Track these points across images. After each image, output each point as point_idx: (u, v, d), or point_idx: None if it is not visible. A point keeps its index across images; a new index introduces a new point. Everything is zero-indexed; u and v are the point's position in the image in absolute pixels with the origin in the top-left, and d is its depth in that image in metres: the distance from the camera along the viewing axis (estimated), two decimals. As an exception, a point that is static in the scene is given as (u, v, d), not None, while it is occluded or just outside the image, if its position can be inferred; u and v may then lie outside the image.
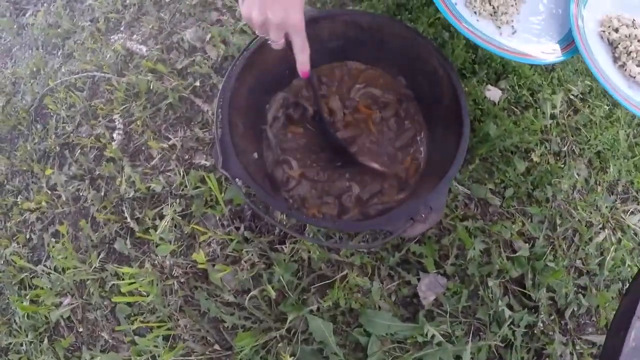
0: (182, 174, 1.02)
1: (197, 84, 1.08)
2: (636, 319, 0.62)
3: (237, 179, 0.79)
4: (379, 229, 0.94)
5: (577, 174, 1.12)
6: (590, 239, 1.08)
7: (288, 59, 0.94)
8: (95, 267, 1.00)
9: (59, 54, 1.23)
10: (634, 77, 0.82)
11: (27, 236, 1.10)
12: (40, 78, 1.23)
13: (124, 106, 1.10)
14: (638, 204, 1.16)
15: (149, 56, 1.12)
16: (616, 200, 1.14)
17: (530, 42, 0.85)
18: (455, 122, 0.85)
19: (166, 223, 0.99)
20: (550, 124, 1.14)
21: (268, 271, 0.94)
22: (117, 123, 1.08)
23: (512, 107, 1.12)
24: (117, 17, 1.22)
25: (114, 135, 1.08)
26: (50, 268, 1.04)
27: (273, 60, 0.91)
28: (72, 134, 1.13)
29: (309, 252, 0.94)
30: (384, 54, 0.96)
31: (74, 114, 1.14)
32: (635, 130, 1.22)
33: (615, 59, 0.84)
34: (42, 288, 1.02)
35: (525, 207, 1.05)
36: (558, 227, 1.06)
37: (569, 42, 0.85)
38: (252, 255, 0.94)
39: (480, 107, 1.07)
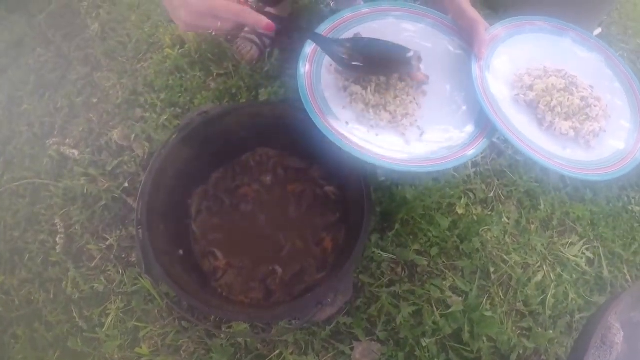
0: (121, 272, 1.17)
1: (127, 184, 1.24)
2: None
3: (160, 283, 0.94)
4: (289, 318, 1.07)
5: (507, 218, 1.25)
6: (529, 280, 1.19)
7: (202, 154, 1.10)
8: (52, 366, 1.15)
9: (1, 160, 1.41)
10: (567, 134, 0.81)
11: (-12, 339, 1.25)
12: (-15, 186, 1.40)
13: (63, 210, 1.26)
14: (577, 234, 1.28)
15: (81, 160, 1.29)
16: (553, 235, 1.26)
17: (442, 139, 0.82)
18: (362, 202, 0.98)
19: (111, 320, 1.14)
20: (474, 172, 1.27)
21: (207, 356, 1.08)
22: (58, 227, 1.24)
23: (432, 163, 1.26)
24: (50, 120, 1.40)
25: (57, 239, 1.24)
26: None
27: (187, 159, 1.07)
28: (19, 240, 1.29)
29: (243, 337, 1.08)
30: (291, 139, 1.11)
31: (19, 220, 1.30)
32: (565, 161, 1.34)
33: (541, 122, 0.82)
34: (6, 388, 1.17)
35: (454, 262, 1.18)
36: (492, 275, 1.19)
37: (486, 122, 0.82)
38: (190, 343, 1.08)
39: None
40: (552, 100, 0.83)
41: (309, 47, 0.89)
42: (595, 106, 0.85)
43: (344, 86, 0.87)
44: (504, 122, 0.79)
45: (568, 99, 0.84)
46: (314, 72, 0.87)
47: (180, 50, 1.46)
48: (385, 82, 0.86)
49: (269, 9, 1.41)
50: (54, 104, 1.43)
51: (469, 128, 0.84)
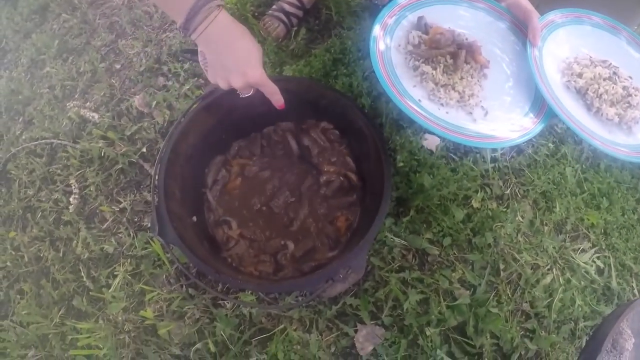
0: (132, 235, 1.19)
1: (145, 150, 1.26)
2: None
3: (172, 246, 0.95)
4: (299, 290, 1.09)
5: (522, 217, 1.26)
6: (537, 281, 1.20)
7: (223, 124, 1.12)
8: (56, 322, 1.17)
9: (20, 120, 1.43)
10: (612, 120, 0.90)
11: (-5, 293, 1.28)
12: (3, 144, 1.43)
13: (79, 172, 1.29)
14: (589, 241, 1.28)
15: (101, 123, 1.32)
16: (565, 240, 1.27)
17: (504, 119, 0.89)
18: (380, 183, 0.99)
19: (118, 282, 1.16)
20: (492, 168, 1.28)
21: (211, 325, 1.10)
22: (73, 188, 1.27)
23: (451, 154, 1.28)
24: (72, 84, 1.43)
25: (71, 199, 1.26)
26: (16, 322, 1.20)
27: (208, 128, 1.09)
28: (33, 198, 1.32)
29: (250, 307, 1.10)
30: (314, 116, 1.13)
31: (34, 178, 1.33)
32: (583, 165, 1.35)
33: (589, 107, 0.91)
34: (9, 341, 1.18)
35: (465, 255, 1.19)
36: (502, 272, 1.19)
37: (541, 105, 0.91)
38: (195, 311, 1.10)
39: (416, 157, 1.22)
40: (599, 88, 0.91)
41: (379, 27, 0.94)
42: (635, 95, 0.92)
43: (414, 66, 0.92)
44: (559, 106, 0.87)
45: (612, 87, 0.91)
46: (385, 52, 0.92)
47: (207, 24, 1.48)
48: (453, 64, 0.92)
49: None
50: (77, 68, 1.46)
51: (526, 110, 0.91)
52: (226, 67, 0.82)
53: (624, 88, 0.92)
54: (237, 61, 0.81)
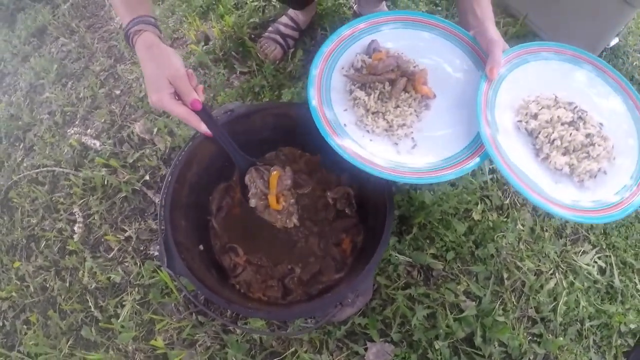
0: (138, 264, 1.14)
1: (147, 177, 1.20)
2: None
3: (181, 277, 0.90)
4: (309, 316, 1.04)
5: (522, 225, 1.22)
6: (541, 287, 1.16)
7: (225, 151, 1.07)
8: (65, 353, 1.11)
9: (20, 146, 1.37)
10: (561, 169, 0.76)
11: (1, 323, 1.21)
12: (4, 171, 1.36)
13: (82, 200, 1.23)
14: (589, 243, 1.25)
15: (102, 151, 1.26)
16: (566, 243, 1.23)
17: (433, 155, 0.81)
18: (382, 205, 0.94)
19: (127, 311, 1.11)
20: (490, 179, 1.24)
21: (222, 351, 1.05)
22: (77, 216, 1.21)
23: (450, 169, 1.23)
24: (72, 110, 1.36)
25: (75, 228, 1.20)
26: (23, 354, 1.14)
27: (211, 156, 1.04)
28: (36, 227, 1.26)
29: (260, 334, 1.05)
30: (314, 140, 1.07)
31: (37, 207, 1.27)
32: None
33: (537, 152, 0.78)
34: (17, 373, 1.13)
35: (469, 267, 1.15)
36: (506, 281, 1.16)
37: (481, 143, 0.78)
38: (205, 338, 1.05)
39: (416, 174, 1.18)
40: (553, 132, 0.78)
41: (325, 48, 0.89)
42: (599, 145, 0.79)
43: (350, 90, 0.86)
44: (497, 148, 0.75)
45: (571, 133, 0.78)
46: (325, 73, 0.87)
47: (204, 47, 1.42)
48: (389, 91, 0.85)
49: (291, 12, 1.39)
50: (76, 93, 1.40)
51: (463, 147, 0.81)
52: None
53: (587, 136, 0.78)
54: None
